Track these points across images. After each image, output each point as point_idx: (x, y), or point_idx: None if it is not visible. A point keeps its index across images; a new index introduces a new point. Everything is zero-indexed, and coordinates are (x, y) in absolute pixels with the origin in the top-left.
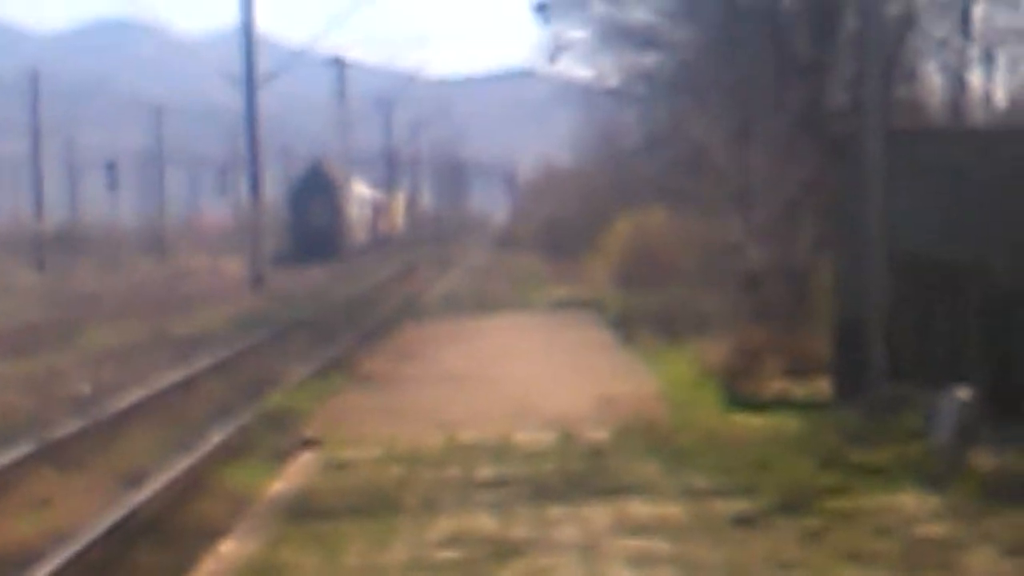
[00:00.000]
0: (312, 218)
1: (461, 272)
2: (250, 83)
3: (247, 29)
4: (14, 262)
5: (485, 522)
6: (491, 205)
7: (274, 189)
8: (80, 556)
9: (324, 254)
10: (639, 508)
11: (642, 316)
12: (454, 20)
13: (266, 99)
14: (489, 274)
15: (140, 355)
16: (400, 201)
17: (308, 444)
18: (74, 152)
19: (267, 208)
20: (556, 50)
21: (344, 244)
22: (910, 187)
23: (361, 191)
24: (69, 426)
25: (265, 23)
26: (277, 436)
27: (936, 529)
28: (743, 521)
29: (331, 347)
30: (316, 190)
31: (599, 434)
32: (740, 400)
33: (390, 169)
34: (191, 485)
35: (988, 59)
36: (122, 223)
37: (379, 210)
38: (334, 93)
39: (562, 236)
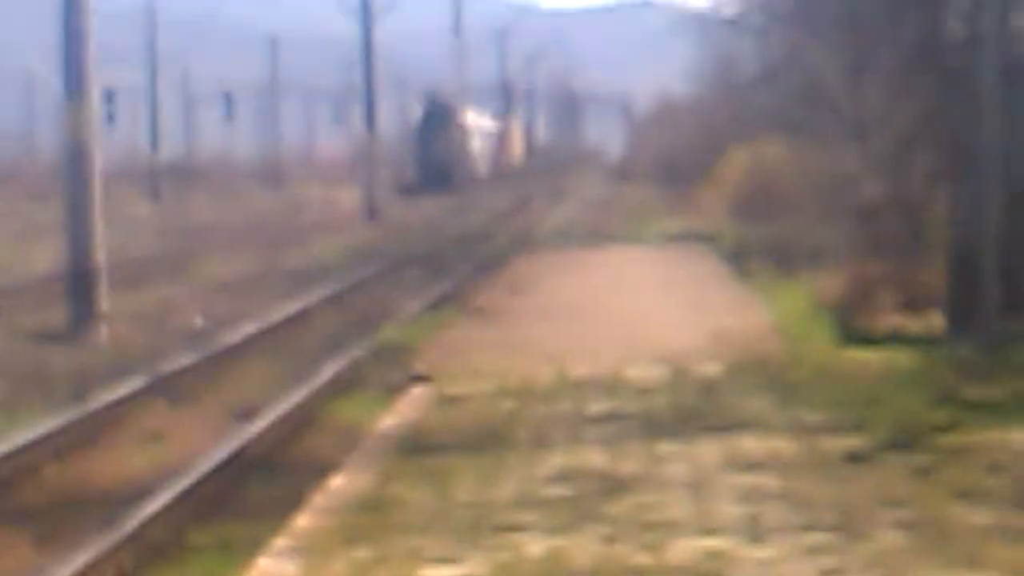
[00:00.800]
0: (436, 150)
1: (576, 204)
2: (366, 14)
3: None
4: (130, 193)
5: (595, 458)
6: (606, 137)
7: (390, 121)
8: (191, 490)
9: (447, 185)
10: (750, 444)
11: (757, 249)
12: None
13: (381, 30)
14: (604, 206)
15: (254, 287)
16: (519, 133)
17: (419, 378)
18: (190, 83)
19: (383, 139)
20: None
21: (467, 175)
22: None
23: (483, 124)
24: (182, 359)
25: None
26: (389, 370)
27: None
28: (854, 457)
29: (445, 280)
30: (440, 123)
31: (711, 368)
32: (854, 334)
33: (506, 100)
34: (303, 419)
35: None
36: (238, 155)
37: (500, 142)
38: (450, 24)
39: (677, 168)
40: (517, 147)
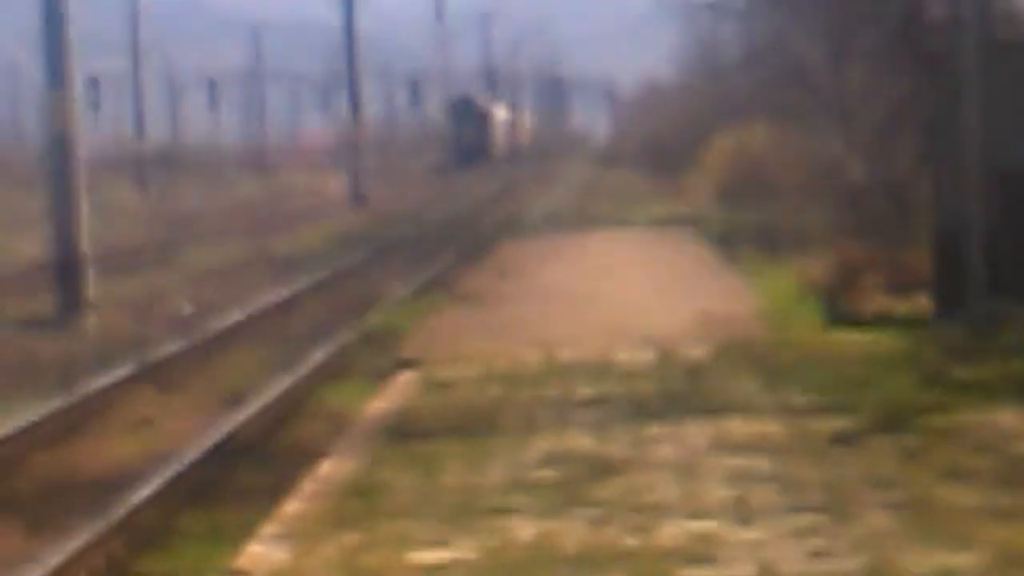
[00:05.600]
0: (467, 135)
1: (563, 188)
2: (348, 1)
3: None
4: (116, 182)
5: (583, 441)
6: (592, 121)
7: (374, 106)
8: (180, 477)
9: (476, 163)
10: (737, 426)
11: (743, 232)
12: None
13: (364, 17)
14: (591, 190)
15: (241, 274)
16: (526, 121)
17: (407, 363)
18: (174, 71)
19: (367, 125)
20: None
21: (491, 155)
22: (1009, 100)
23: (502, 114)
24: (170, 346)
25: None
26: (377, 356)
27: None
28: (841, 439)
29: (432, 265)
30: (470, 113)
31: (698, 352)
32: (841, 316)
33: (490, 86)
34: (291, 405)
35: None
36: (223, 142)
37: (512, 128)
38: (433, 10)
39: (663, 152)
40: (525, 133)
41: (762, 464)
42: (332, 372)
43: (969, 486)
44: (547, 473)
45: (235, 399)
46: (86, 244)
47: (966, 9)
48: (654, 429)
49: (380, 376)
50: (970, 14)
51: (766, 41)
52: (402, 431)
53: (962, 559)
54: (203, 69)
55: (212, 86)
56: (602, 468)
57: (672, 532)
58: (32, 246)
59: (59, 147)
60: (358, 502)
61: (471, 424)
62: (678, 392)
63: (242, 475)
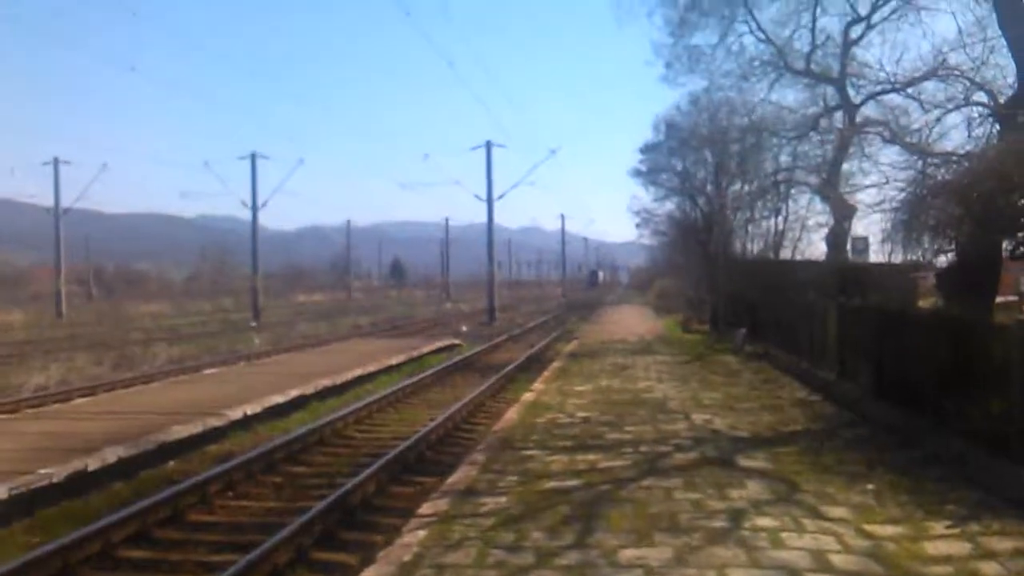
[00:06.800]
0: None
1: (611, 297)
2: None
3: None
4: None
5: (618, 360)
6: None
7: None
8: (524, 360)
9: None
10: (660, 357)
11: (663, 309)
12: None
13: None
14: (618, 298)
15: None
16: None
17: (575, 336)
18: None
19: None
20: None
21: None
22: (731, 274)
23: (600, 274)
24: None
25: None
26: (567, 335)
27: (735, 366)
28: (685, 363)
29: (582, 311)
30: (595, 274)
31: (649, 337)
32: (687, 329)
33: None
34: (546, 347)
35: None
36: None
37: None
38: None
39: (641, 284)
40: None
41: (666, 366)
42: (557, 337)
43: (717, 374)
44: (609, 366)
45: (532, 345)
46: None
47: (719, 248)
48: (637, 358)
49: (569, 340)
50: (720, 248)
51: (672, 251)
52: (573, 354)
53: (715, 394)
54: None
55: None
56: (622, 367)
57: (642, 386)
58: None
59: None
60: (560, 373)
61: (591, 353)
62: (642, 346)
63: (534, 365)
